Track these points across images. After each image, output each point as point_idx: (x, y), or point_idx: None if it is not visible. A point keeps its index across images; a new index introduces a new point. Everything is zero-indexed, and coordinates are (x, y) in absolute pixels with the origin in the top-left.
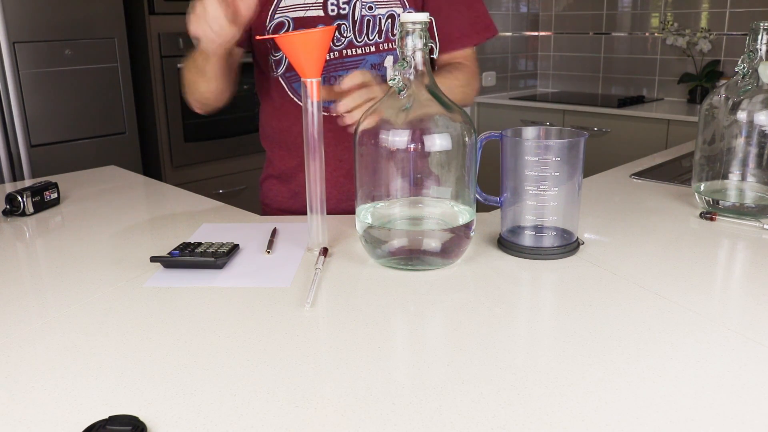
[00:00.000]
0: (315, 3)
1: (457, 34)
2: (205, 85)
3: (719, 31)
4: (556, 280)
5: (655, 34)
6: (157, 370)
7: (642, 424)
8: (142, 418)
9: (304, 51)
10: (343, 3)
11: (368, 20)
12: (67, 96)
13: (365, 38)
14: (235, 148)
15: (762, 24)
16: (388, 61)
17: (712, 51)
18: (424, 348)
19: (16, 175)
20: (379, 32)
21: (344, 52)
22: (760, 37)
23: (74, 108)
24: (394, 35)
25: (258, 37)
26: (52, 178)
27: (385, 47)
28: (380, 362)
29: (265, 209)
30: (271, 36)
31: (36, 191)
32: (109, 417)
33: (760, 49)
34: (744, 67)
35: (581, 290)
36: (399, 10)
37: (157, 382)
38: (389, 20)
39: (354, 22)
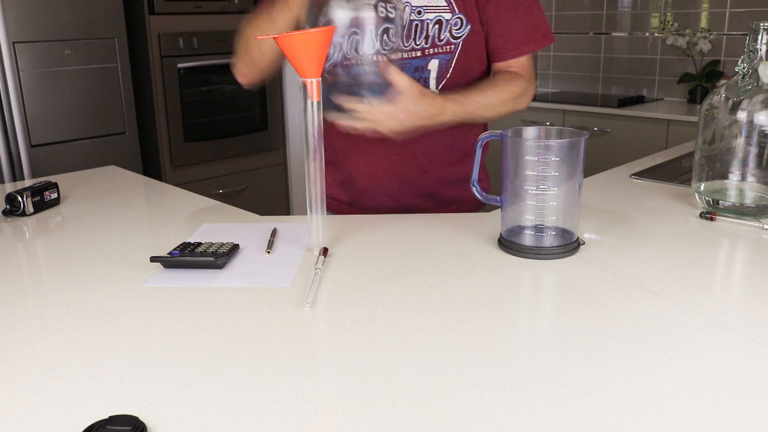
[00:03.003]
0: (367, 4)
1: (515, 42)
2: (260, 54)
3: (719, 31)
4: (556, 280)
5: (655, 34)
6: (157, 370)
7: (642, 424)
8: (142, 418)
9: (303, 51)
10: (391, 7)
11: (416, 25)
12: (67, 96)
13: (412, 43)
14: (235, 148)
15: (762, 24)
16: (432, 65)
17: (712, 51)
18: (424, 348)
19: (16, 175)
20: (426, 37)
21: (390, 56)
22: (760, 37)
23: (74, 108)
24: (440, 40)
25: (258, 37)
26: (52, 178)
27: (431, 52)
28: (380, 362)
29: None
30: (271, 36)
31: (36, 191)
32: (109, 417)
33: (760, 49)
34: (744, 67)
35: (581, 290)
36: (447, 16)
37: (157, 382)
38: (437, 26)
39: (402, 26)
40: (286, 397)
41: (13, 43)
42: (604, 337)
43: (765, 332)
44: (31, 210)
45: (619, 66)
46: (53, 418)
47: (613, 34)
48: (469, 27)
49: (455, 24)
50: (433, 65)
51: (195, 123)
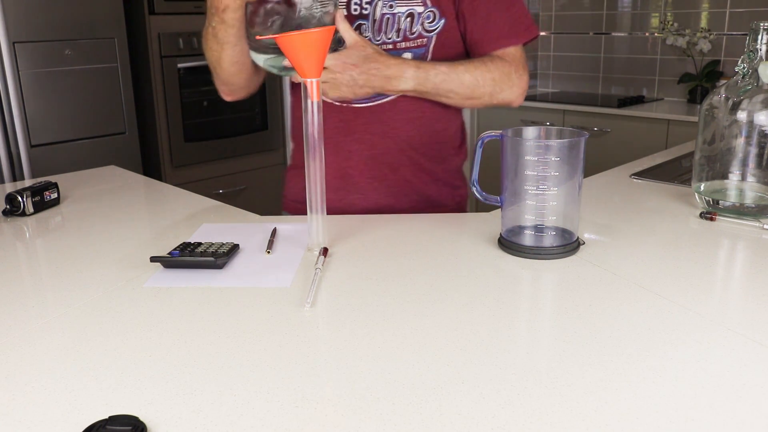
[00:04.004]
0: (339, 2)
1: (496, 34)
2: (227, 53)
3: (719, 31)
4: (556, 280)
5: (655, 34)
6: (157, 370)
7: (642, 424)
8: (142, 418)
9: (303, 51)
10: (366, 3)
11: (387, 18)
12: (67, 96)
13: (383, 37)
14: (235, 148)
15: (762, 24)
16: (406, 57)
17: (712, 51)
18: (424, 348)
19: (16, 175)
20: (397, 31)
21: None
22: (760, 37)
23: (74, 108)
24: (412, 33)
25: (258, 37)
26: (52, 178)
27: (402, 46)
28: (380, 362)
29: (284, 201)
30: (271, 36)
31: (36, 191)
32: (109, 417)
33: (760, 49)
34: (744, 67)
35: (581, 290)
36: (419, 9)
37: (157, 382)
38: (408, 18)
39: (374, 21)
40: (286, 397)
41: (13, 43)
42: (604, 337)
43: (765, 332)
44: (31, 210)
45: (619, 66)
46: (53, 418)
47: (613, 34)
48: (443, 21)
49: (428, 17)
50: (407, 57)
51: (195, 123)
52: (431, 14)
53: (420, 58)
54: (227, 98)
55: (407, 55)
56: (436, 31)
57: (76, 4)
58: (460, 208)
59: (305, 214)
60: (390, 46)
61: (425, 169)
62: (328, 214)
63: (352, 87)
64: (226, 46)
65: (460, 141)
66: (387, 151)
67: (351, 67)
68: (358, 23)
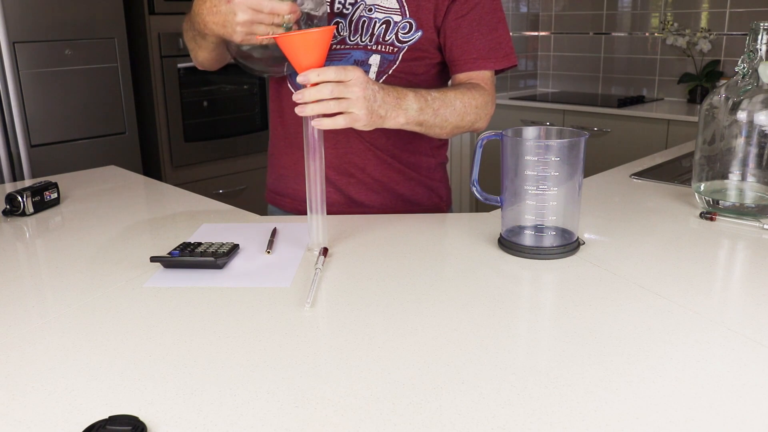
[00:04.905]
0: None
1: (475, 54)
2: (203, 53)
3: (719, 31)
4: (556, 280)
5: (655, 34)
6: (157, 370)
7: (642, 424)
8: (142, 418)
9: (303, 50)
10: (349, 4)
11: (364, 21)
12: (67, 96)
13: (358, 38)
14: (235, 148)
15: (762, 24)
16: (374, 60)
17: (712, 51)
18: (424, 348)
19: (16, 175)
20: (371, 35)
21: (333, 46)
22: (760, 37)
23: (74, 108)
24: (385, 40)
25: (258, 37)
26: (52, 178)
27: (373, 48)
28: (380, 362)
29: (266, 191)
30: (271, 35)
31: (36, 191)
32: (109, 417)
33: (760, 49)
34: (744, 67)
35: (581, 290)
36: (397, 18)
37: (157, 382)
38: (383, 26)
39: (351, 21)
40: (286, 397)
41: (13, 43)
42: (604, 337)
43: (765, 332)
44: (31, 210)
45: (619, 66)
46: (53, 418)
47: (613, 34)
48: (419, 33)
49: (403, 27)
50: (375, 60)
51: (195, 123)
52: (408, 25)
53: (388, 63)
54: (200, 68)
55: (375, 57)
56: (409, 43)
57: (76, 4)
58: (438, 208)
59: (280, 205)
60: (361, 46)
61: (395, 168)
62: (298, 208)
63: (371, 104)
64: (203, 50)
65: (439, 142)
66: (352, 150)
67: (369, 82)
68: (335, 21)
